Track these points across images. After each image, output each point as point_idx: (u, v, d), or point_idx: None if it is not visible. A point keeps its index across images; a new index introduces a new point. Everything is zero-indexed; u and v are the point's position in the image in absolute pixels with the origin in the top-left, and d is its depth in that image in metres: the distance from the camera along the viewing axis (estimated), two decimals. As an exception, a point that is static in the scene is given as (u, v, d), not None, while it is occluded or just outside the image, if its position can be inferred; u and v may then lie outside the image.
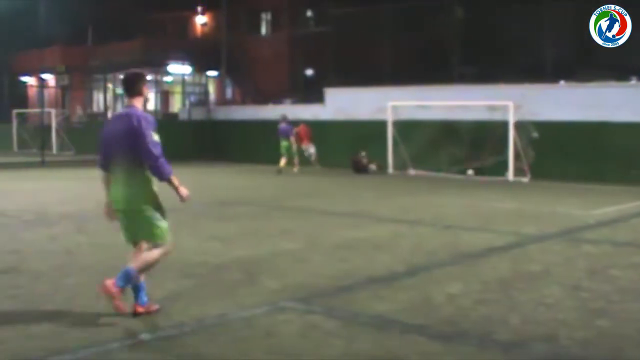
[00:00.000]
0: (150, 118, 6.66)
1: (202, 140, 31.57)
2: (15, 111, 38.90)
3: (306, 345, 5.76)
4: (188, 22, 49.73)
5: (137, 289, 6.46)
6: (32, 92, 48.93)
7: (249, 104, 39.66)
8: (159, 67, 43.73)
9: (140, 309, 6.43)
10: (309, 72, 40.46)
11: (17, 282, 7.76)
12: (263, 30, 46.01)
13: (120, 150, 6.55)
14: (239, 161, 28.45)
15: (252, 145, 28.88)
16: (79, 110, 45.96)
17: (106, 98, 36.06)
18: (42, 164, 25.81)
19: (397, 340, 5.92)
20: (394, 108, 24.15)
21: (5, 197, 16.47)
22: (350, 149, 24.81)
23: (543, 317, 6.53)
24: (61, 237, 10.86)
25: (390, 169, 24.19)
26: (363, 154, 24.38)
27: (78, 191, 18.03)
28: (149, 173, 6.56)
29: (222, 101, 42.84)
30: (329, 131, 26.06)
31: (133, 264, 6.37)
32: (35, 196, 16.65)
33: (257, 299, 7.09)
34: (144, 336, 5.89)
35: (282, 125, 24.38)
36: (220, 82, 45.18)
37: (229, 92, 46.22)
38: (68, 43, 46.38)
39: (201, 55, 43.35)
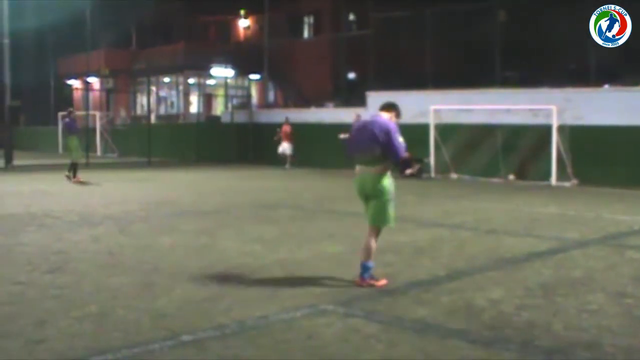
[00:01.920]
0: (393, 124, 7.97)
1: (244, 143, 31.73)
2: (60, 114, 39.43)
3: (346, 349, 5.75)
4: (231, 26, 50.00)
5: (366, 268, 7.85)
6: (77, 95, 49.58)
7: (291, 107, 39.75)
8: (202, 70, 44.06)
9: (372, 282, 7.80)
10: (351, 75, 40.43)
11: (61, 282, 7.87)
12: (305, 34, 46.11)
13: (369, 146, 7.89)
14: (281, 164, 28.53)
15: (295, 148, 28.95)
16: (122, 113, 46.52)
17: (149, 101, 36.41)
18: (87, 166, 26.13)
19: (437, 345, 5.89)
20: (436, 112, 24.06)
21: (51, 198, 16.70)
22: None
23: (586, 324, 6.45)
24: (104, 238, 10.99)
25: (432, 173, 24.09)
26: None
27: (121, 193, 18.24)
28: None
29: (264, 104, 43.00)
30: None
31: (365, 257, 7.88)
32: (80, 198, 16.87)
33: (299, 301, 7.09)
34: (185, 337, 5.92)
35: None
36: (262, 85, 45.36)
37: (271, 96, 46.38)
38: (113, 47, 46.96)
39: (244, 58, 43.59)
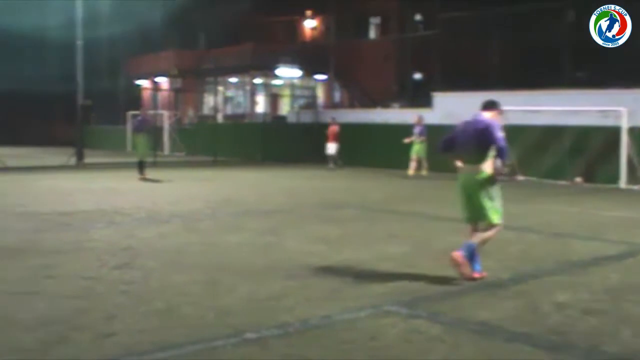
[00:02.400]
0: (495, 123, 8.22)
1: (309, 143, 31.85)
2: (129, 113, 40.10)
3: (409, 350, 5.75)
4: (297, 26, 50.19)
5: (473, 260, 8.07)
6: (146, 95, 50.35)
7: (357, 107, 39.74)
8: (269, 70, 44.33)
9: (475, 275, 8.05)
10: (417, 76, 40.23)
11: (129, 278, 8.03)
12: (371, 34, 46.01)
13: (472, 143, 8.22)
14: (347, 164, 28.53)
15: (360, 149, 28.95)
16: (190, 113, 47.09)
17: (217, 100, 36.75)
18: (154, 165, 26.53)
19: (501, 348, 5.85)
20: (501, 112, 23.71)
21: (120, 196, 17.02)
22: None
23: (656, 331, 6.33)
24: (171, 235, 11.16)
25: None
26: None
27: (188, 191, 18.48)
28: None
29: (330, 104, 43.07)
30: (437, 135, 25.88)
31: (474, 240, 8.14)
32: (148, 195, 17.14)
33: (362, 301, 7.11)
34: (249, 335, 5.99)
35: (417, 127, 24.59)
36: (328, 85, 45.44)
37: (337, 96, 46.43)
38: (181, 47, 47.57)
39: (310, 58, 43.69)
